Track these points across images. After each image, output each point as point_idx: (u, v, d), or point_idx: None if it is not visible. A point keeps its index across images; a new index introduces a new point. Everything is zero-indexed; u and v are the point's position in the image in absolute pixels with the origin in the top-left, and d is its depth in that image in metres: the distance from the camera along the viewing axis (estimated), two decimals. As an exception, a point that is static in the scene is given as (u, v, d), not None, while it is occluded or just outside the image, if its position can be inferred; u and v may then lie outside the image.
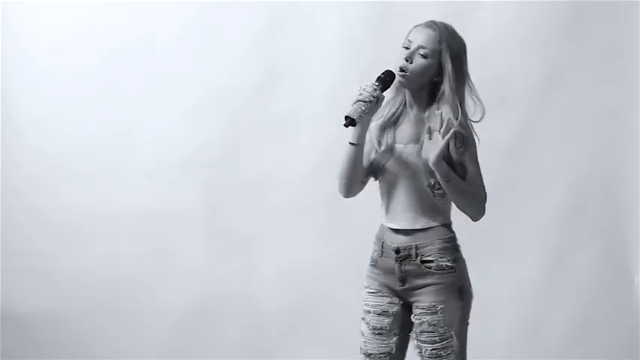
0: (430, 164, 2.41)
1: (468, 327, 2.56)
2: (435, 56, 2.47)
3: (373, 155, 2.58)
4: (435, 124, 2.43)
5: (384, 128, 2.57)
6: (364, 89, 2.43)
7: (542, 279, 4.24)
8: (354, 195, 2.61)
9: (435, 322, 2.49)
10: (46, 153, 4.38)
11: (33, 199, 4.38)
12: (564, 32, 4.21)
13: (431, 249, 2.51)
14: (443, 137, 2.37)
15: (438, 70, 2.48)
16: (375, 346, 2.59)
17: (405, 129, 2.54)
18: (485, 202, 2.56)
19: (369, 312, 2.60)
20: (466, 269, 2.58)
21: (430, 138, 2.42)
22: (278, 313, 4.29)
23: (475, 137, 2.51)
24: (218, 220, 4.34)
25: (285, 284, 4.30)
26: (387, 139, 2.55)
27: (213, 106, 4.32)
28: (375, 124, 2.57)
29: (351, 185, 2.57)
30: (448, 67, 2.46)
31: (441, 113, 2.42)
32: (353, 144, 2.50)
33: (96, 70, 4.36)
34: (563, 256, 4.24)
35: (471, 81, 2.52)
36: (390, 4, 4.15)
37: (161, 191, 4.34)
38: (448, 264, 2.51)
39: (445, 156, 2.42)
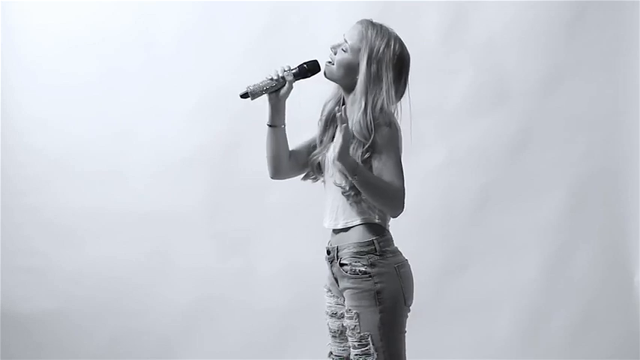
0: (333, 162, 2.40)
1: (404, 336, 2.48)
2: (354, 53, 2.47)
3: (316, 151, 2.59)
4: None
5: (326, 124, 2.58)
6: (276, 68, 2.49)
7: (542, 279, 4.24)
8: (281, 178, 2.65)
9: (353, 326, 2.45)
10: (46, 153, 4.38)
11: (33, 199, 4.38)
12: (564, 32, 4.21)
13: (346, 252, 2.47)
14: (340, 132, 2.32)
15: (355, 71, 2.47)
16: (336, 348, 2.59)
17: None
18: (402, 197, 2.41)
19: (326, 313, 2.61)
20: (396, 274, 2.46)
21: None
22: (278, 313, 4.29)
23: (399, 132, 2.46)
24: (218, 220, 4.34)
25: (285, 284, 4.30)
26: (327, 136, 2.56)
27: (214, 106, 4.32)
28: (320, 120, 2.60)
29: (275, 167, 2.61)
30: (362, 66, 2.44)
31: (344, 109, 2.39)
32: (268, 125, 2.57)
33: (96, 70, 4.36)
34: (563, 256, 4.24)
35: (392, 90, 2.45)
36: (390, 4, 4.15)
37: (161, 191, 4.34)
38: (362, 269, 2.44)
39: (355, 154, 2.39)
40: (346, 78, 2.49)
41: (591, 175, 4.23)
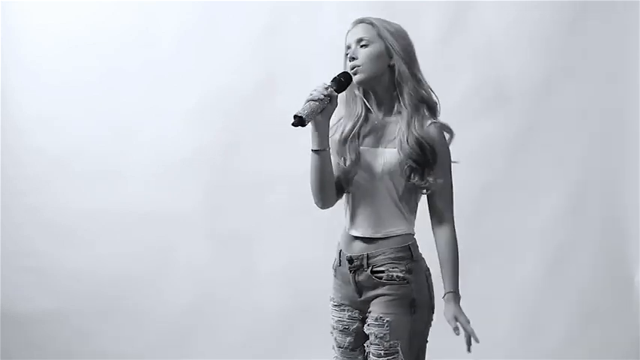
0: None
1: (426, 344, 2.46)
2: (376, 40, 2.42)
3: (337, 172, 2.46)
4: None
5: (344, 143, 2.44)
6: (315, 89, 2.31)
7: (542, 279, 4.24)
8: (331, 205, 2.48)
9: (382, 334, 2.36)
10: (46, 153, 4.39)
11: (33, 199, 4.39)
12: (565, 32, 4.21)
13: (382, 259, 2.39)
14: None
15: (388, 53, 2.43)
16: None
17: (370, 135, 2.45)
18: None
19: (334, 327, 2.52)
20: (426, 281, 2.44)
21: None
22: (278, 313, 4.29)
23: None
24: (218, 220, 4.34)
25: (285, 284, 4.30)
26: (350, 152, 2.42)
27: (214, 106, 4.32)
28: (332, 139, 2.44)
29: (325, 194, 2.43)
30: (394, 44, 2.41)
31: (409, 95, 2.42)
32: (317, 150, 2.36)
33: (96, 70, 4.37)
34: (563, 256, 4.24)
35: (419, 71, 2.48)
36: (389, 3, 4.15)
37: (161, 191, 4.35)
38: (400, 275, 2.38)
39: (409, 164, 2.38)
40: (376, 74, 2.43)
41: (591, 175, 4.23)
